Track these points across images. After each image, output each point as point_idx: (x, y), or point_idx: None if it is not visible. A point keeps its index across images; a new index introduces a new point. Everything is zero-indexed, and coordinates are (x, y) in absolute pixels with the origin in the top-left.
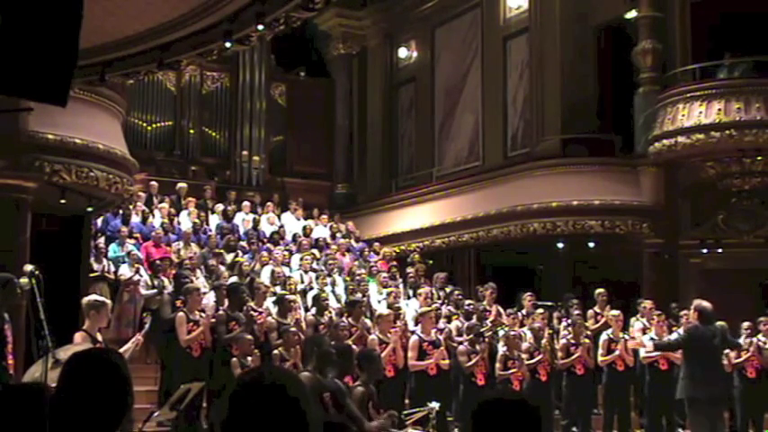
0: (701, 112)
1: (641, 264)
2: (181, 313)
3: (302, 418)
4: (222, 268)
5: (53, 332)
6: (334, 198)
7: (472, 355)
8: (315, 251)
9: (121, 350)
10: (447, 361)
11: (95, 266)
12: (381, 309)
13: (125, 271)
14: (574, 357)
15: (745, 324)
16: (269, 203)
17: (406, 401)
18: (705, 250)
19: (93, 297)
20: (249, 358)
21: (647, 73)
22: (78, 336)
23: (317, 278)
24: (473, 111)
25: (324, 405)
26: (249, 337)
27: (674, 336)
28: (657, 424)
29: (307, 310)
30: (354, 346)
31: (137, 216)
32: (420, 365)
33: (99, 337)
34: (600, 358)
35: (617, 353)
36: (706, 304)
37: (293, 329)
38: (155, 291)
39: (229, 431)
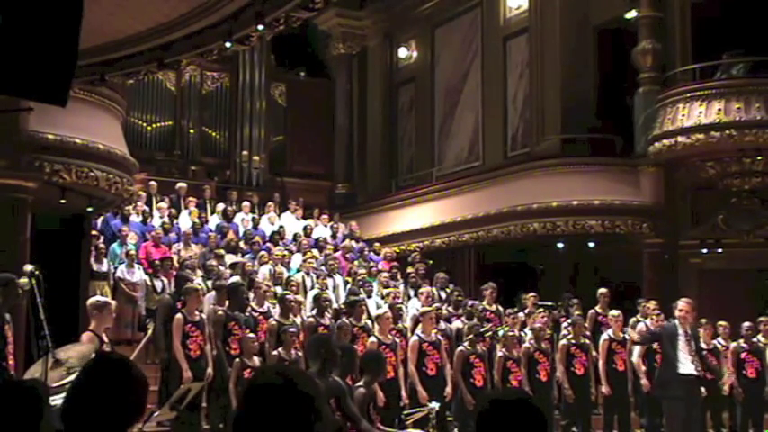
0: (700, 112)
1: (641, 264)
2: (179, 315)
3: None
4: (222, 268)
5: (53, 332)
6: (334, 198)
7: (472, 356)
8: (315, 251)
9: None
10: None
11: (95, 266)
12: (381, 309)
13: (124, 271)
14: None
15: (746, 324)
16: (269, 203)
17: (406, 401)
18: (705, 250)
19: (96, 297)
20: (250, 358)
21: (647, 73)
22: (85, 336)
23: (317, 278)
24: (473, 111)
25: (331, 409)
26: (251, 336)
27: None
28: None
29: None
30: (354, 347)
31: (137, 216)
32: (415, 378)
33: (105, 338)
34: (600, 360)
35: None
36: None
37: (293, 330)
38: (162, 292)
39: (241, 429)
